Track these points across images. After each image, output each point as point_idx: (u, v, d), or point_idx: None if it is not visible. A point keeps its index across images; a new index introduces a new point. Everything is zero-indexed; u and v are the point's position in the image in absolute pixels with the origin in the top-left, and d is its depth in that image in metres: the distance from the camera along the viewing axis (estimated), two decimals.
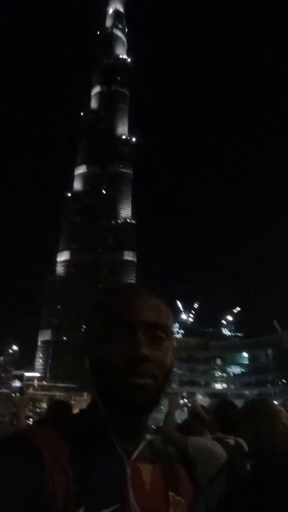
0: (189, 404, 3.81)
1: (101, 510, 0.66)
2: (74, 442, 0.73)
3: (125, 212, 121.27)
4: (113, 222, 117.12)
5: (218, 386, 68.37)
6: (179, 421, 3.77)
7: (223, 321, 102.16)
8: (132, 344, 0.76)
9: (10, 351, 75.38)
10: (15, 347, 76.62)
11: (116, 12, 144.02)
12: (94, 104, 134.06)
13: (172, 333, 0.85)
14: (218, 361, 70.66)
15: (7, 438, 0.70)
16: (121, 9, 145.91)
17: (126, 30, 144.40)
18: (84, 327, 1.02)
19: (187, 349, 66.93)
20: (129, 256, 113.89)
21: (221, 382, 69.29)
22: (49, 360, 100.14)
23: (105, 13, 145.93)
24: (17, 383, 4.71)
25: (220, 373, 69.99)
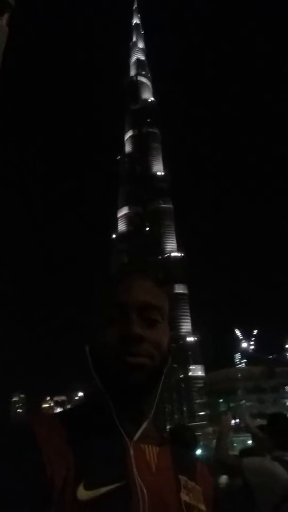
0: (242, 425, 3.35)
1: (102, 487, 0.66)
2: (75, 425, 0.74)
3: (171, 246, 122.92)
4: (160, 257, 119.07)
5: None
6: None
7: (287, 346, 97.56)
8: (125, 324, 0.77)
9: (76, 398, 77.17)
10: (81, 394, 78.37)
11: (138, 60, 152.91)
12: (128, 147, 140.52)
13: (168, 317, 0.86)
14: (287, 389, 67.43)
15: (4, 426, 0.74)
16: (143, 57, 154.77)
17: (149, 75, 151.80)
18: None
19: (252, 379, 64.67)
20: (180, 289, 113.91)
21: None
22: None
23: (128, 63, 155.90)
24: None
25: None
